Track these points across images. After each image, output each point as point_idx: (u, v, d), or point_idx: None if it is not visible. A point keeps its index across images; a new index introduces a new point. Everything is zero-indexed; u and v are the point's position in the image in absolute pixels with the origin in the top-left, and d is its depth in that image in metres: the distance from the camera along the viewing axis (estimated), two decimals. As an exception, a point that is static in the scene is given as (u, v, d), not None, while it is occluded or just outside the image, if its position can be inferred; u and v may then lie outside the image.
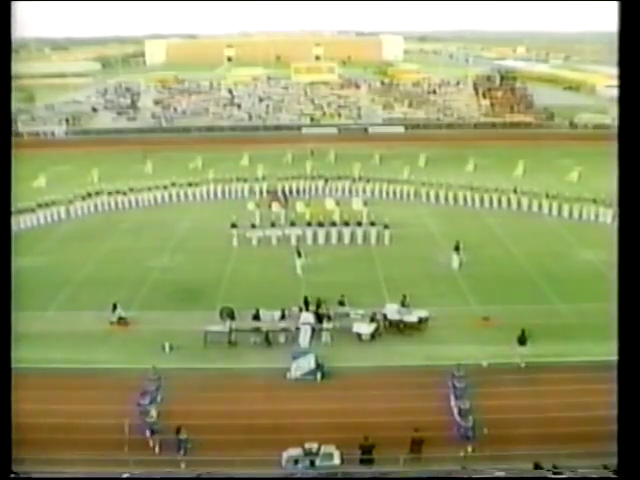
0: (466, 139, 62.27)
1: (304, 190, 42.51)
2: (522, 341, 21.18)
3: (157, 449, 16.75)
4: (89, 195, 40.24)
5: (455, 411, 17.68)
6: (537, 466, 13.83)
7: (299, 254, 29.25)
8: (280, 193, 40.53)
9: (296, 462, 15.75)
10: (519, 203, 38.58)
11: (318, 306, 23.77)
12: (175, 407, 18.22)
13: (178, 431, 16.39)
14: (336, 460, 15.74)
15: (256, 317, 23.03)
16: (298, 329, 22.53)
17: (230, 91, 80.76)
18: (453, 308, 25.18)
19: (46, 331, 23.30)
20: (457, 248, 29.35)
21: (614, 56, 8.46)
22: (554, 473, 13.12)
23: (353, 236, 33.13)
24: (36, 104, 77.34)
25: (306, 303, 24.00)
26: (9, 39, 8.74)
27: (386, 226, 33.00)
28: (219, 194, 42.76)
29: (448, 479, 14.91)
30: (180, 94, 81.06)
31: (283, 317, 23.01)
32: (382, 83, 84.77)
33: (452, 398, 18.30)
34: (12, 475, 9.25)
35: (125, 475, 14.37)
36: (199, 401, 18.85)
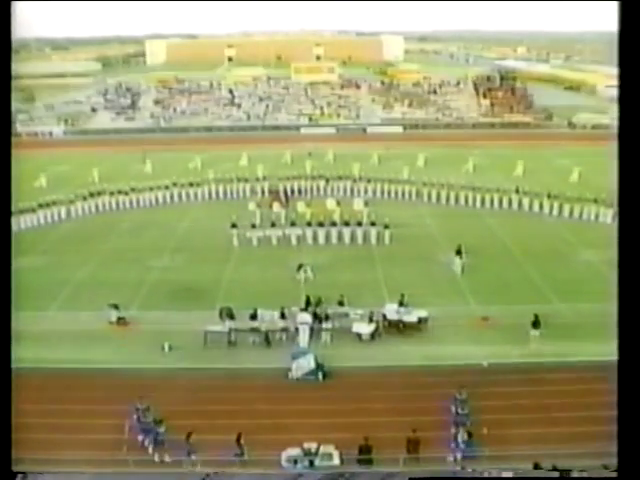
0: (465, 139, 62.29)
1: (305, 190, 42.56)
2: (536, 324, 21.85)
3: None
4: (90, 195, 40.22)
5: (458, 438, 16.61)
6: (537, 466, 13.82)
7: (300, 267, 28.32)
8: (282, 193, 40.55)
9: (295, 462, 15.75)
10: (520, 203, 38.60)
11: (317, 306, 23.72)
12: (175, 407, 18.21)
13: (188, 436, 16.23)
14: (335, 460, 15.74)
15: (254, 317, 22.90)
16: (297, 329, 22.51)
17: (230, 91, 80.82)
18: (453, 308, 25.17)
19: (46, 331, 23.30)
20: (459, 252, 28.93)
21: (614, 56, 8.46)
22: (561, 474, 13.10)
23: (353, 236, 33.16)
24: (36, 104, 77.40)
25: (307, 303, 23.96)
26: (9, 39, 8.75)
27: (386, 226, 33.00)
28: (220, 194, 42.73)
29: (449, 479, 14.90)
30: (180, 94, 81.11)
31: (282, 317, 22.92)
32: (382, 83, 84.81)
33: (452, 426, 16.97)
34: (12, 475, 9.26)
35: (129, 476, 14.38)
36: (199, 401, 18.85)
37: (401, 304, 23.77)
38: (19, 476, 11.59)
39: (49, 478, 13.62)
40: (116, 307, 24.43)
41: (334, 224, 33.66)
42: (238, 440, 16.01)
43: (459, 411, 17.29)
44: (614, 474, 8.88)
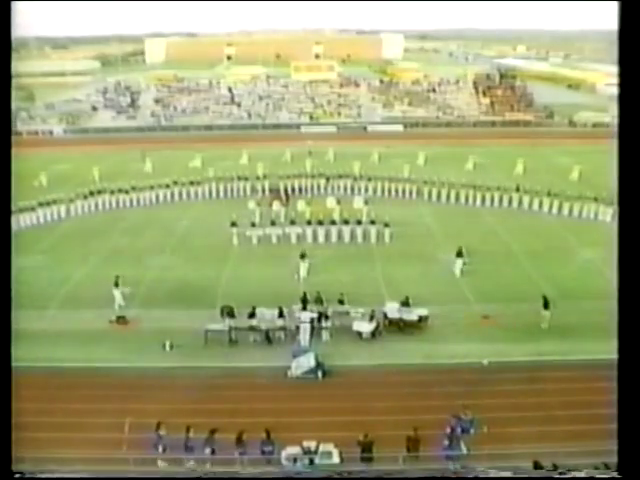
0: (466, 137, 62.26)
1: (305, 189, 42.56)
2: (546, 305, 23.03)
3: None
4: (90, 194, 40.22)
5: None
6: (537, 465, 13.79)
7: (303, 257, 28.59)
8: (282, 192, 40.54)
9: (295, 460, 15.74)
10: (520, 201, 38.60)
11: (316, 304, 23.67)
12: (176, 406, 18.22)
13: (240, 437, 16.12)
14: (335, 459, 15.72)
15: (252, 315, 22.84)
16: (298, 327, 22.50)
17: (230, 89, 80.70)
18: (453, 306, 25.17)
19: (46, 330, 23.30)
20: (460, 254, 28.67)
21: (614, 54, 8.45)
22: (560, 473, 13.06)
23: (353, 234, 33.15)
24: (36, 102, 77.30)
25: (304, 301, 23.87)
26: (9, 39, 8.73)
27: (386, 224, 33.00)
28: (220, 193, 42.73)
29: (449, 479, 14.87)
30: (179, 93, 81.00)
31: (281, 315, 22.88)
32: (381, 82, 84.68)
33: (449, 439, 16.15)
34: (12, 474, 9.24)
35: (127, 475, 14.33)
36: (198, 399, 18.86)
37: (404, 304, 23.69)
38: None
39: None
40: (116, 285, 24.52)
41: (334, 223, 33.68)
42: (268, 436, 16.04)
43: (460, 430, 16.40)
44: (615, 473, 8.86)
